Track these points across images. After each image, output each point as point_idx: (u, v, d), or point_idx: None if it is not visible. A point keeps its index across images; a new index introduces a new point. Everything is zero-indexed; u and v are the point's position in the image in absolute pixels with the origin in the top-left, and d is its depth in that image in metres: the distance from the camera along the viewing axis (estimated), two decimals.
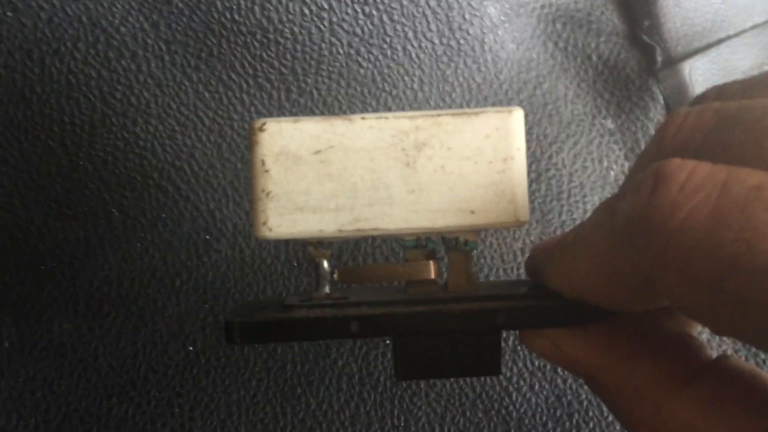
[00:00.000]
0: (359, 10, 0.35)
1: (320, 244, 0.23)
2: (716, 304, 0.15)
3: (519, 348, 0.35)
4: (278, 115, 0.35)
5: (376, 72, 0.35)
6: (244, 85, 0.35)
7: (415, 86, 0.35)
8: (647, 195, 0.16)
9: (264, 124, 0.22)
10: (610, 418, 0.34)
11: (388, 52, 0.35)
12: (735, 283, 0.15)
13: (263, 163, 0.22)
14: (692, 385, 0.19)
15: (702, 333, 0.33)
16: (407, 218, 0.22)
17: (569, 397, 0.34)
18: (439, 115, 0.22)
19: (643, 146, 0.36)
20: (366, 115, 0.22)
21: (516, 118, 0.22)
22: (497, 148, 0.22)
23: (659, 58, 0.36)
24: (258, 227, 0.22)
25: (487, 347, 0.22)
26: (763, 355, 0.35)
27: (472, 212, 0.22)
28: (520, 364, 0.35)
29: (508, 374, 0.34)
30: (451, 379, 0.35)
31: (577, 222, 0.35)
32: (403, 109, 0.35)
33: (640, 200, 0.17)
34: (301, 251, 0.35)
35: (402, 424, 0.34)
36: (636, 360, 0.20)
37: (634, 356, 0.20)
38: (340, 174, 0.22)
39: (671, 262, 0.16)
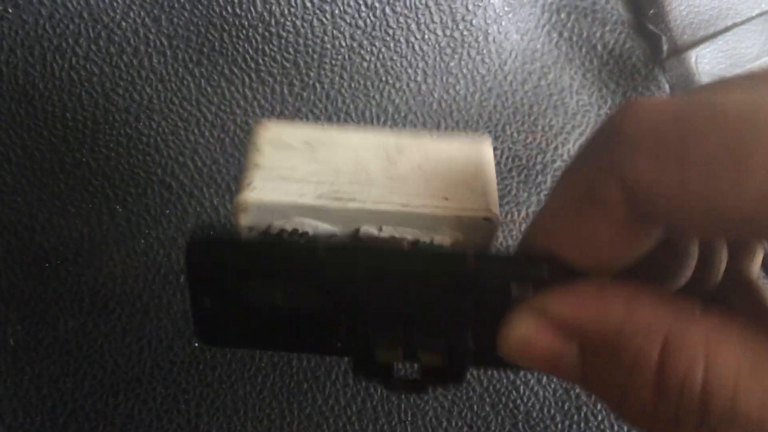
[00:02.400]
0: (361, 2, 0.35)
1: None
2: None
3: None
4: (281, 109, 0.35)
5: (379, 64, 0.35)
6: (247, 80, 0.34)
7: (419, 78, 0.35)
8: None
9: (263, 123, 0.24)
10: None
11: (391, 45, 0.35)
12: None
13: (257, 146, 0.23)
14: (701, 314, 0.18)
15: None
16: (385, 196, 0.23)
17: (577, 390, 0.34)
18: (419, 136, 0.24)
19: None
20: (356, 128, 0.24)
21: (486, 148, 0.24)
22: (469, 162, 0.24)
23: (665, 47, 0.35)
24: (242, 190, 0.22)
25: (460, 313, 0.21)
26: None
27: (446, 198, 0.23)
28: None
29: (515, 367, 0.34)
30: None
31: None
32: (406, 102, 0.35)
33: None
34: None
35: (409, 419, 0.34)
36: (637, 297, 0.19)
37: (634, 295, 0.20)
38: (325, 159, 0.23)
39: None
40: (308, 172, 0.23)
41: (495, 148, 0.35)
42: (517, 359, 0.21)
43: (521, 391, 0.34)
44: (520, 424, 0.34)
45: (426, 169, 0.23)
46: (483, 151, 0.24)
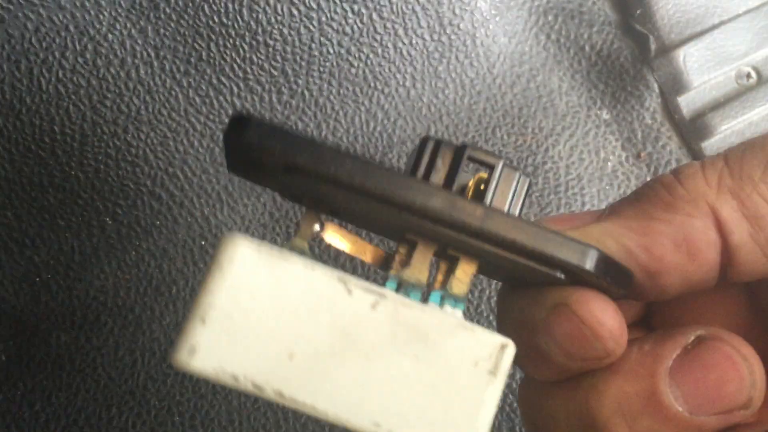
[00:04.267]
0: (348, 9, 0.35)
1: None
2: None
3: None
4: (269, 117, 0.34)
5: (367, 71, 0.35)
6: (235, 89, 0.34)
7: (408, 83, 0.35)
8: None
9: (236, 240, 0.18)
10: None
11: (379, 51, 0.35)
12: None
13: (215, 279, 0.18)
14: None
15: None
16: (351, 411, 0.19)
17: None
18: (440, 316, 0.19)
19: (639, 136, 0.36)
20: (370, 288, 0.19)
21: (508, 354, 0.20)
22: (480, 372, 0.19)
23: (653, 47, 0.35)
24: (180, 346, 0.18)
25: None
26: None
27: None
28: None
29: (512, 371, 0.34)
30: None
31: None
32: (396, 108, 0.35)
33: None
34: None
35: None
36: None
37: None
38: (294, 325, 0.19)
39: None
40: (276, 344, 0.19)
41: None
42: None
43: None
44: (517, 428, 0.34)
45: (426, 381, 0.19)
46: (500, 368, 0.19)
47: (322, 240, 0.21)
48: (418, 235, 0.21)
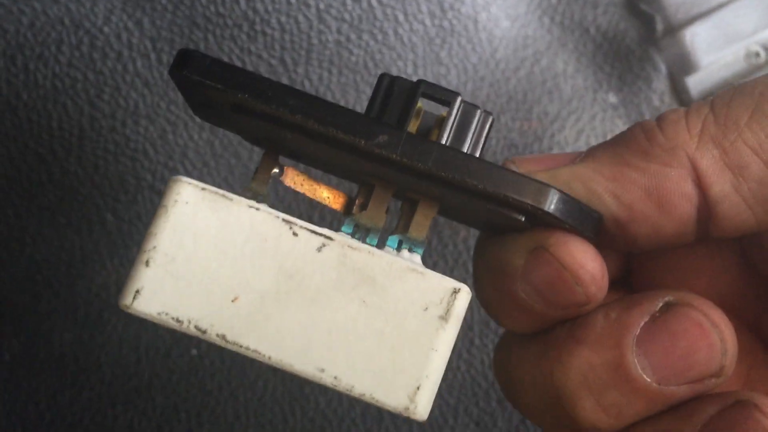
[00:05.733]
0: None
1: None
2: None
3: None
4: None
5: (368, 58, 0.34)
6: None
7: (409, 70, 0.34)
8: None
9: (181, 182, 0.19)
10: None
11: (379, 37, 0.34)
12: None
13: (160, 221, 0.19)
14: None
15: None
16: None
17: None
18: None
19: (647, 118, 0.35)
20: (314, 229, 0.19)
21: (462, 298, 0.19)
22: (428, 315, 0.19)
23: (659, 27, 0.35)
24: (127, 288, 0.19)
25: None
26: None
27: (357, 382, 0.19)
28: None
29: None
30: (462, 369, 0.34)
31: None
32: None
33: None
34: None
35: None
36: None
37: None
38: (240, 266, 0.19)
39: None
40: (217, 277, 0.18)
41: (490, 138, 0.35)
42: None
43: None
44: (527, 420, 0.33)
45: (373, 327, 0.19)
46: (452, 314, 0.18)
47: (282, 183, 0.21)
48: (373, 177, 0.21)
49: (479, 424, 0.34)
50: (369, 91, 0.34)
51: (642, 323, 0.19)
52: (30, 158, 0.33)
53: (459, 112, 0.20)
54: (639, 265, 0.23)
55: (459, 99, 0.20)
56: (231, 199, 0.19)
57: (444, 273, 0.19)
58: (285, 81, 0.34)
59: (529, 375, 0.20)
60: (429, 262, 0.33)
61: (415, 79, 0.21)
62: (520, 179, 0.18)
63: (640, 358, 0.19)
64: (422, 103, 0.21)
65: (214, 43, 0.34)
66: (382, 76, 0.21)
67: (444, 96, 0.20)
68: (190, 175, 0.34)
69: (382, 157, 0.19)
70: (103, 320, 0.33)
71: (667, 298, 0.19)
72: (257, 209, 0.19)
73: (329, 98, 0.34)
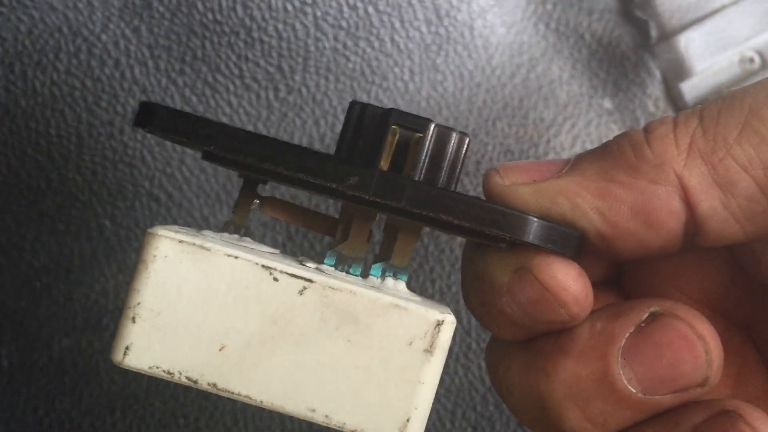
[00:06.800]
0: (343, 2, 0.34)
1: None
2: None
3: None
4: (267, 114, 0.34)
5: (364, 65, 0.34)
6: (231, 87, 0.34)
7: (406, 77, 0.34)
8: None
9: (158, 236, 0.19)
10: None
11: (376, 44, 0.34)
12: None
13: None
14: None
15: None
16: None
17: None
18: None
19: (642, 124, 0.35)
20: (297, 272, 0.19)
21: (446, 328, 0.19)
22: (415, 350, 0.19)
23: (654, 33, 0.35)
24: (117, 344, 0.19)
25: None
26: None
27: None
28: None
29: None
30: (460, 373, 0.34)
31: None
32: (394, 101, 0.34)
33: None
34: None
35: None
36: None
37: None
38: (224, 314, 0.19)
39: None
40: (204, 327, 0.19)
41: (486, 144, 0.35)
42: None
43: None
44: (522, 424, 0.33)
45: (360, 363, 0.19)
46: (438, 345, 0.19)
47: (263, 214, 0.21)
48: (352, 209, 0.21)
49: (477, 429, 0.34)
50: (366, 98, 0.34)
51: (627, 334, 0.19)
52: (28, 165, 0.33)
53: (433, 140, 0.20)
54: (630, 268, 0.23)
55: (432, 126, 0.20)
56: (209, 249, 0.19)
57: (440, 278, 0.19)
58: (282, 88, 0.34)
59: (517, 383, 0.20)
60: (426, 267, 0.33)
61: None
62: (496, 212, 0.18)
63: (625, 369, 0.19)
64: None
65: (212, 51, 0.34)
66: (352, 105, 0.21)
67: (416, 125, 0.20)
68: (188, 181, 0.34)
69: (356, 198, 0.19)
70: (102, 326, 0.33)
71: (652, 309, 0.19)
72: (236, 257, 0.19)
73: (326, 105, 0.34)
